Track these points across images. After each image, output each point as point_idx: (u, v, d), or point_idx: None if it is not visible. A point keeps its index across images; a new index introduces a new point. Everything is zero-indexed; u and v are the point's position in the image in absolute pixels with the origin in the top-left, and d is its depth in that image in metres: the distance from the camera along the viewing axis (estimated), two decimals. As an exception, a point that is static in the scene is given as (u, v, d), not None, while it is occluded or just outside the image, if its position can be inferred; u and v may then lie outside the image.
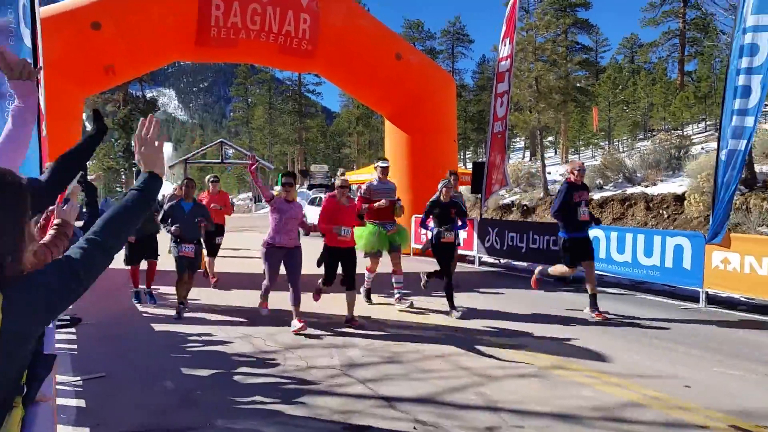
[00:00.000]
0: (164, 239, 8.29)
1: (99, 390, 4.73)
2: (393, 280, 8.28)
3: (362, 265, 7.93)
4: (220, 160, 48.14)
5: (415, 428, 4.01)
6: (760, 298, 8.09)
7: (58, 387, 4.32)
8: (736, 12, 8.34)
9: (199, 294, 8.76)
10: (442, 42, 66.95)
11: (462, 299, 8.26)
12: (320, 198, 23.85)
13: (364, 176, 21.86)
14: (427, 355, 5.86)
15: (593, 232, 10.30)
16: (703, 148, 23.78)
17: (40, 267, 1.50)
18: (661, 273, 9.05)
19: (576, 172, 7.81)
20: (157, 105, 57.45)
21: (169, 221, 7.70)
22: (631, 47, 59.85)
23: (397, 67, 13.49)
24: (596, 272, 10.33)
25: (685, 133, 35.44)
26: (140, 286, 8.55)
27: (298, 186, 15.40)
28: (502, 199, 25.31)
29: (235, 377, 5.14)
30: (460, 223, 8.05)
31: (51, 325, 3.61)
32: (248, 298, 8.79)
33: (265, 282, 7.01)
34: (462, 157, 57.87)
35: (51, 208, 2.89)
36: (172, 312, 7.66)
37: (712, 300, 8.43)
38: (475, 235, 12.89)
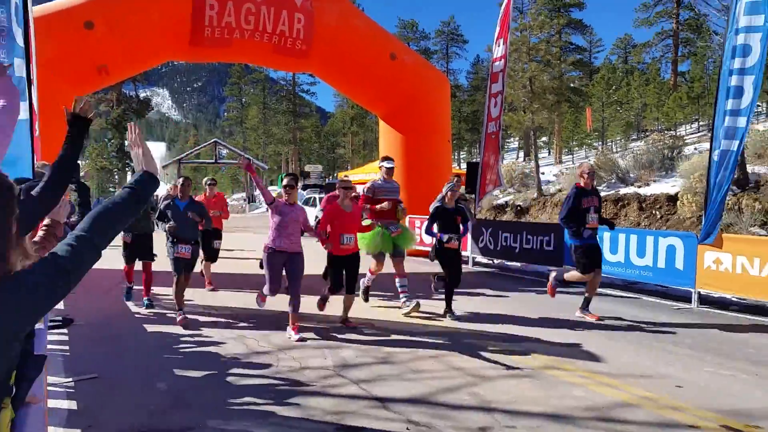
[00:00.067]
0: (160, 239, 8.16)
1: (91, 391, 4.71)
2: (397, 284, 7.93)
3: (365, 264, 7.76)
4: (213, 160, 48.00)
5: (408, 429, 4.01)
6: (751, 298, 8.14)
7: (49, 388, 4.30)
8: (729, 13, 8.39)
9: (192, 295, 8.73)
10: (436, 42, 67.12)
11: (455, 300, 8.26)
12: (314, 198, 23.83)
13: (358, 176, 21.81)
14: (421, 355, 5.86)
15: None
16: (696, 149, 23.91)
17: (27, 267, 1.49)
18: (654, 273, 9.09)
19: (585, 176, 7.54)
20: (151, 105, 57.23)
21: (164, 220, 7.42)
22: (625, 48, 60.12)
23: (392, 67, 13.50)
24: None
25: (678, 133, 35.60)
26: (137, 288, 8.45)
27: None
28: (496, 199, 25.37)
29: (228, 378, 5.13)
30: (462, 229, 7.80)
31: (42, 326, 3.59)
32: (241, 299, 8.78)
33: (266, 288, 6.74)
34: (456, 157, 57.93)
35: None
36: (165, 312, 7.64)
37: (704, 300, 8.48)
38: (469, 236, 12.86)
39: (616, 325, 7.18)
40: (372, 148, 59.25)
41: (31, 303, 1.43)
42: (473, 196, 13.60)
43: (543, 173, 27.95)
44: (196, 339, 6.50)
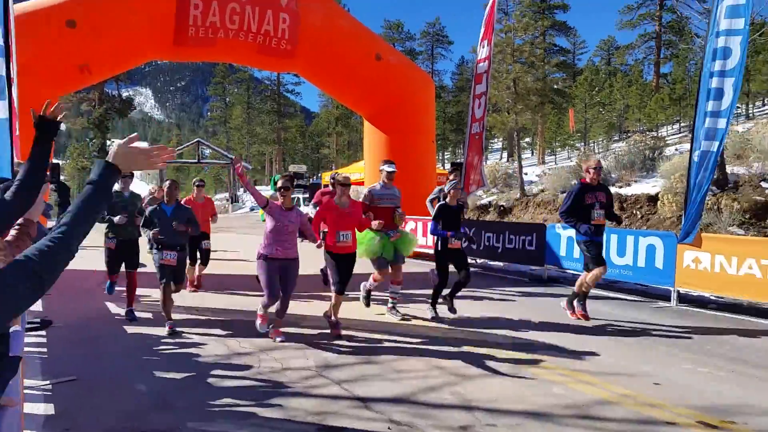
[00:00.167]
0: (147, 245, 8.00)
1: (69, 394, 4.66)
2: (389, 289, 7.70)
3: (365, 267, 7.57)
4: (196, 160, 47.71)
5: (389, 428, 4.02)
6: (729, 296, 8.27)
7: (26, 391, 4.25)
8: (710, 16, 8.50)
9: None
10: (421, 43, 67.26)
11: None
12: (298, 198, 23.79)
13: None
14: (403, 355, 5.87)
15: (567, 232, 10.45)
16: (676, 149, 24.21)
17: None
18: (634, 272, 9.19)
19: (592, 171, 7.27)
20: (133, 104, 56.66)
21: (150, 227, 6.86)
22: (608, 49, 60.73)
23: (377, 68, 13.50)
24: (570, 272, 10.51)
25: (659, 134, 36.01)
26: (119, 288, 8.30)
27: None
28: (480, 199, 25.47)
29: (209, 379, 5.10)
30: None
31: (20, 328, 3.54)
32: (223, 300, 8.74)
33: (264, 299, 6.29)
34: (440, 157, 58.14)
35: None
36: (145, 314, 7.57)
37: (683, 299, 8.59)
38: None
39: (596, 324, 7.25)
40: (357, 149, 59.23)
41: (3, 305, 1.42)
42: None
43: (526, 174, 28.13)
44: (177, 340, 6.44)
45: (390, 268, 7.55)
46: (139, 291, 8.37)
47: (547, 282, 10.69)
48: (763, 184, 15.03)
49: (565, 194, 7.40)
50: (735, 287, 7.95)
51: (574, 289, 7.63)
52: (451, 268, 7.47)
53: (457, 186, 7.65)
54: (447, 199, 7.55)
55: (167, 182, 7.33)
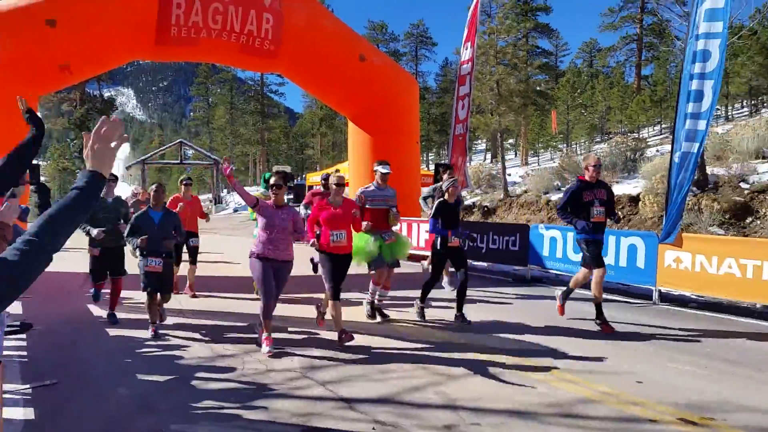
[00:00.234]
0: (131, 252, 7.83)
1: (50, 398, 4.59)
2: (378, 292, 7.53)
3: (360, 267, 7.46)
4: (179, 161, 47.30)
5: (374, 428, 4.02)
6: (709, 295, 8.39)
7: (5, 396, 4.18)
8: (690, 19, 8.62)
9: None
10: (405, 44, 67.28)
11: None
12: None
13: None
14: (387, 355, 5.87)
15: (549, 233, 10.53)
16: (658, 151, 24.46)
17: None
18: (616, 272, 9.28)
19: (591, 169, 7.09)
20: (115, 104, 56.09)
21: (136, 235, 6.55)
22: (590, 51, 61.27)
23: (361, 69, 13.49)
24: (553, 271, 10.59)
25: (641, 135, 36.40)
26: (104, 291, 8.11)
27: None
28: (464, 200, 25.57)
29: (193, 382, 5.06)
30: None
31: (-2, 331, 3.49)
32: (206, 302, 8.67)
33: (261, 304, 6.04)
34: (425, 158, 58.21)
35: None
36: (127, 315, 7.49)
37: (664, 298, 8.69)
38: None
39: (578, 323, 7.30)
40: (341, 149, 59.15)
41: None
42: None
43: (509, 175, 28.27)
44: (160, 343, 6.39)
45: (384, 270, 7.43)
46: (121, 293, 8.29)
47: (530, 282, 10.76)
48: (743, 185, 15.26)
49: (561, 194, 7.34)
50: (715, 286, 8.07)
51: (570, 286, 7.50)
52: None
53: (456, 183, 7.56)
54: (446, 196, 7.46)
55: (153, 186, 7.04)
